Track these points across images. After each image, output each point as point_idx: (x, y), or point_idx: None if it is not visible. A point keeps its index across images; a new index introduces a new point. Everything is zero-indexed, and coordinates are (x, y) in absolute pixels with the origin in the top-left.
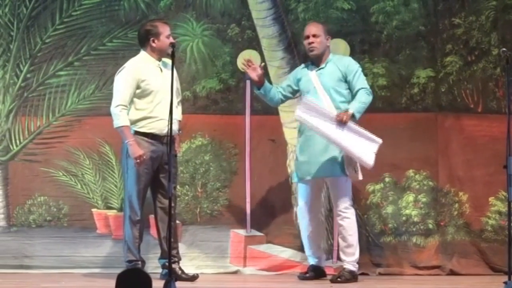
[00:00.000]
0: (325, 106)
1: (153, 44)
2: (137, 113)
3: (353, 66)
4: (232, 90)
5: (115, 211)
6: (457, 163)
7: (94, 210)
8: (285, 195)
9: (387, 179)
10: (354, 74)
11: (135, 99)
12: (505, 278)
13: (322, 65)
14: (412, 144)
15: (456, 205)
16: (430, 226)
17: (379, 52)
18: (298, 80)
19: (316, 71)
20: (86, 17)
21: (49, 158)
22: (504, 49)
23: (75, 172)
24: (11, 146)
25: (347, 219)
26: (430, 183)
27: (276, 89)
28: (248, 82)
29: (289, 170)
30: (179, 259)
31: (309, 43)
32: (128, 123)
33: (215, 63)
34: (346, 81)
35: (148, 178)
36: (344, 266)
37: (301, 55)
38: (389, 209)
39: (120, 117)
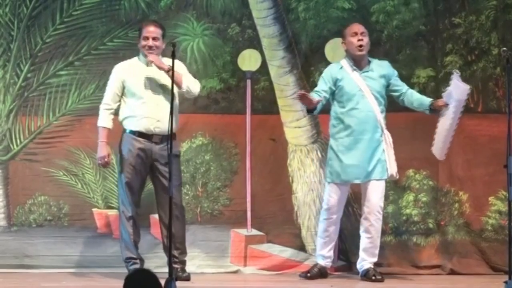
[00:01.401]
0: (374, 111)
1: (138, 44)
2: (126, 112)
3: (392, 68)
4: (232, 90)
5: (115, 210)
6: (457, 162)
7: (94, 209)
8: (286, 195)
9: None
10: (396, 76)
11: (124, 98)
12: (505, 277)
13: (367, 68)
14: (412, 144)
15: (456, 205)
16: (431, 225)
17: (379, 51)
18: (337, 80)
19: (361, 73)
20: (86, 16)
21: (49, 158)
22: (504, 48)
23: (76, 172)
24: (11, 146)
25: (380, 221)
26: (430, 182)
27: (319, 97)
28: (248, 81)
29: (289, 170)
30: (185, 254)
31: (359, 40)
32: (105, 124)
33: (215, 62)
34: (387, 84)
35: (136, 176)
36: (370, 266)
37: (301, 54)
38: (389, 208)
39: (100, 117)
